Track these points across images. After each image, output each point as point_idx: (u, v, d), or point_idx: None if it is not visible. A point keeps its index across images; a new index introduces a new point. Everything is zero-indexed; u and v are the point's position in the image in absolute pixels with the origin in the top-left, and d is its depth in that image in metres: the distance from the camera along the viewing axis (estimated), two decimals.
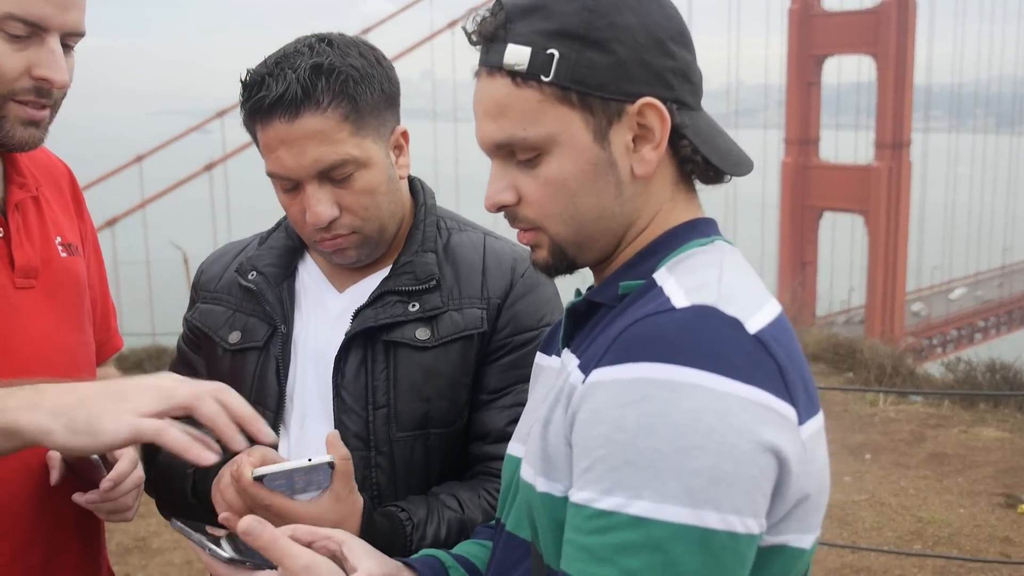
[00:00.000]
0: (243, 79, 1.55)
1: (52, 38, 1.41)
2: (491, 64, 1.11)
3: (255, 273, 1.69)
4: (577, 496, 1.00)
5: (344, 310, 1.64)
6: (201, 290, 1.78)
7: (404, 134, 1.65)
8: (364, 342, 1.61)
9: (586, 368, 1.05)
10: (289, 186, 1.57)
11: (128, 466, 1.48)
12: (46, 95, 1.44)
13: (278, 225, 1.77)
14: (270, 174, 1.57)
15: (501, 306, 1.64)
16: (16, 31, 1.38)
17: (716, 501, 0.95)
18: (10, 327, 1.48)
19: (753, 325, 1.03)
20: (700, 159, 1.14)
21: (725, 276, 1.08)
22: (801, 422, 1.03)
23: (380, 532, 1.48)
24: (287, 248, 1.73)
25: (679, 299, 1.04)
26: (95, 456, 1.45)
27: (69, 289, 1.61)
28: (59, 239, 1.62)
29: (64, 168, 1.74)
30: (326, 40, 1.57)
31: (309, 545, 1.23)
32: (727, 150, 1.16)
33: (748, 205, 39.84)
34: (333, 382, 1.61)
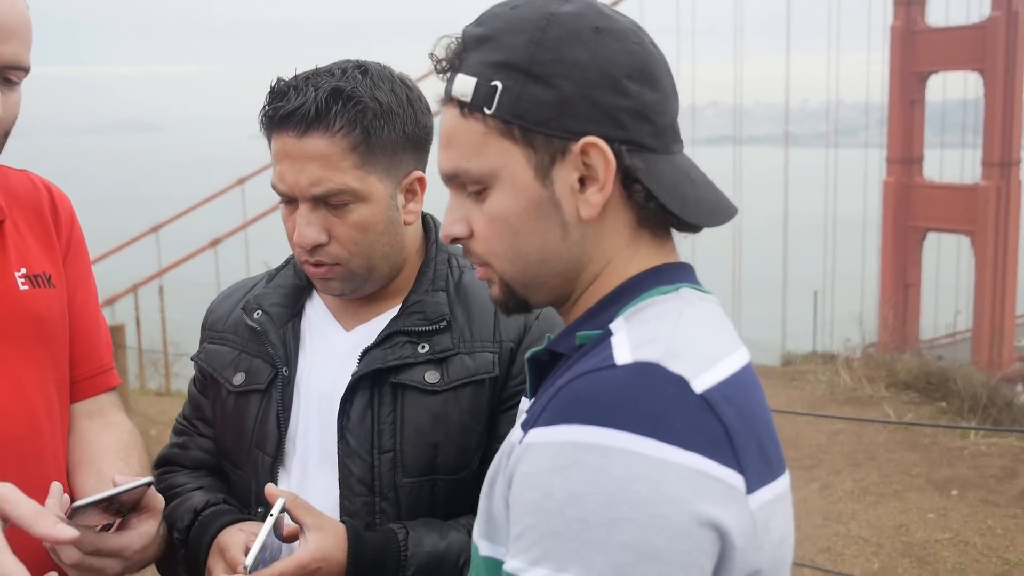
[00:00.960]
0: (272, 86, 1.54)
1: None
2: (445, 93, 1.09)
3: (260, 312, 1.67)
4: (508, 565, 0.95)
5: (351, 349, 1.61)
6: (208, 330, 1.76)
7: (421, 180, 1.61)
8: (371, 384, 1.57)
9: (527, 425, 1.00)
10: (288, 200, 1.55)
11: (153, 527, 1.44)
12: None
13: (286, 263, 1.75)
14: (272, 186, 1.55)
15: (515, 351, 1.58)
16: None
17: None
18: None
19: (702, 383, 0.97)
20: (655, 205, 1.07)
21: (680, 328, 1.02)
22: (751, 490, 0.96)
23: (371, 545, 1.46)
24: (294, 287, 1.70)
25: (623, 355, 0.98)
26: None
27: (27, 324, 1.55)
28: (23, 270, 1.56)
29: (48, 196, 1.69)
30: (362, 68, 1.55)
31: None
32: (694, 198, 1.09)
33: (848, 225, 38.92)
34: (338, 424, 1.58)
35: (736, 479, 0.95)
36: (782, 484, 1.04)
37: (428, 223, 1.72)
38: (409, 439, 1.55)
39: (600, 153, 1.04)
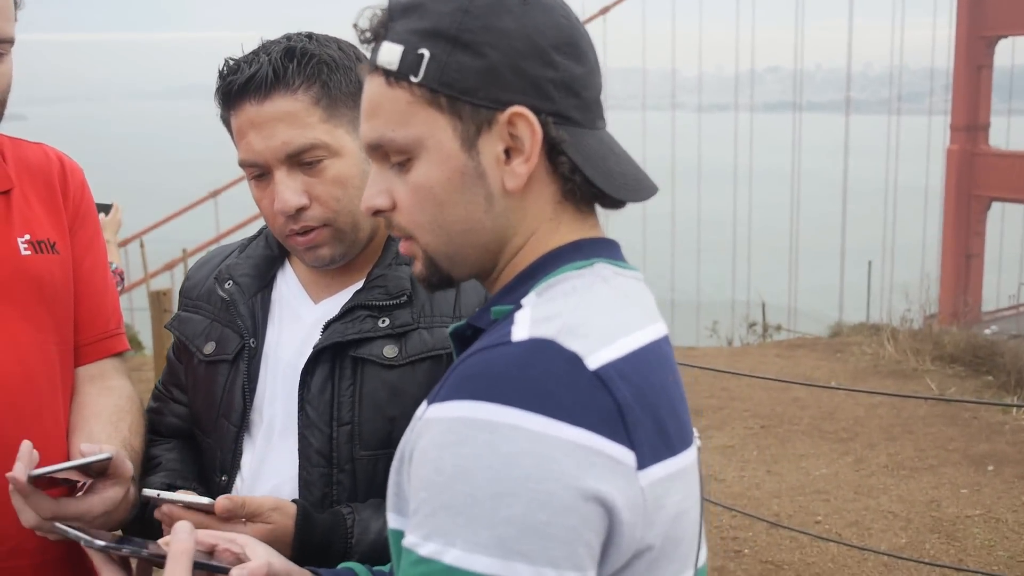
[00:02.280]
0: (220, 68, 1.56)
1: None
2: (370, 63, 1.09)
3: (231, 282, 1.70)
4: (405, 540, 0.97)
5: (316, 322, 1.63)
6: (184, 297, 1.80)
7: None
8: (332, 356, 1.59)
9: (430, 400, 1.01)
10: (258, 173, 1.57)
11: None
12: None
13: (259, 233, 1.77)
14: (241, 163, 1.57)
15: None
16: None
17: (528, 552, 0.90)
18: None
19: (596, 360, 0.97)
20: (580, 179, 1.07)
21: (582, 305, 1.03)
22: (642, 467, 0.97)
23: (318, 526, 1.49)
24: (265, 257, 1.73)
25: (521, 331, 0.99)
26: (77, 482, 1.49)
27: (28, 288, 1.61)
28: (27, 237, 1.62)
29: (59, 166, 1.75)
30: (306, 34, 1.59)
31: (212, 549, 1.27)
32: (619, 172, 1.09)
33: (909, 194, 38.16)
34: (299, 395, 1.60)
35: (626, 455, 0.95)
36: (682, 461, 1.03)
37: None
38: (367, 412, 1.57)
39: (527, 123, 1.03)
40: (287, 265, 1.73)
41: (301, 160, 1.53)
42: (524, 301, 1.05)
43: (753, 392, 8.34)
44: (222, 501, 1.40)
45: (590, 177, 1.07)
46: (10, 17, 1.46)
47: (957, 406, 7.54)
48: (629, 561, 0.98)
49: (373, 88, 1.09)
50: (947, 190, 39.95)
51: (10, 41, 1.47)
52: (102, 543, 1.25)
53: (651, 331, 1.08)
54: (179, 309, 1.80)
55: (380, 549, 1.49)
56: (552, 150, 1.06)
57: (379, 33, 1.08)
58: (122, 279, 5.11)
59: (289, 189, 1.54)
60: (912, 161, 39.38)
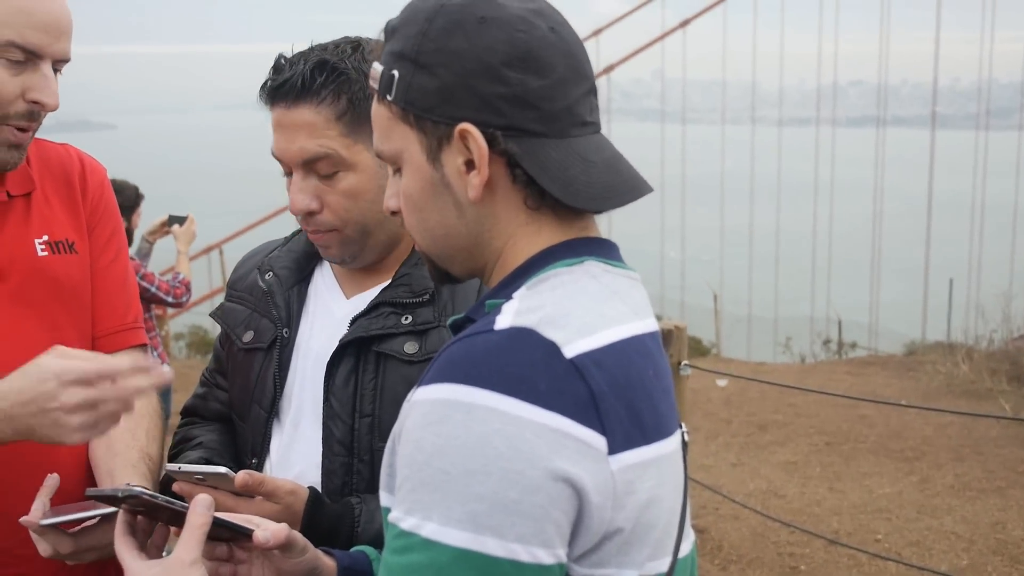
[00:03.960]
0: (274, 62, 1.66)
1: (45, 64, 1.54)
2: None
3: (271, 274, 1.79)
4: (391, 515, 1.03)
5: (346, 316, 1.71)
6: (230, 288, 1.89)
7: None
8: (357, 350, 1.67)
9: (418, 384, 1.08)
10: (286, 170, 1.67)
11: None
12: (35, 118, 1.57)
13: (301, 229, 1.84)
14: (273, 155, 1.67)
15: None
16: (14, 56, 1.51)
17: (498, 528, 0.96)
18: None
19: (574, 349, 1.03)
20: (537, 187, 1.12)
21: (564, 298, 1.08)
22: (613, 452, 1.01)
23: (327, 514, 1.56)
24: (305, 252, 1.82)
25: (504, 320, 1.06)
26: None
27: (44, 288, 1.67)
28: (45, 237, 1.69)
29: (79, 164, 1.82)
30: (355, 43, 1.66)
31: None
32: (583, 181, 1.12)
33: (997, 211, 37.16)
34: (324, 386, 1.68)
35: (597, 440, 1.00)
36: (658, 450, 1.07)
37: None
38: (388, 406, 1.64)
39: (473, 139, 1.10)
40: (324, 261, 1.81)
41: (316, 168, 1.63)
42: (515, 295, 1.11)
43: (820, 409, 8.26)
44: (242, 476, 1.48)
45: (544, 186, 1.11)
46: (71, 38, 1.59)
47: None
48: (599, 543, 1.03)
49: (372, 105, 1.20)
50: None
51: (68, 60, 1.60)
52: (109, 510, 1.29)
53: (635, 326, 1.13)
54: (225, 299, 1.90)
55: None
56: (510, 161, 1.12)
57: (378, 54, 1.19)
58: (188, 289, 5.30)
59: (301, 192, 1.64)
60: (1000, 177, 38.35)
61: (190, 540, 1.19)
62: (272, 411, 1.74)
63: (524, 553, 0.97)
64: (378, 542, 1.55)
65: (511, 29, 1.11)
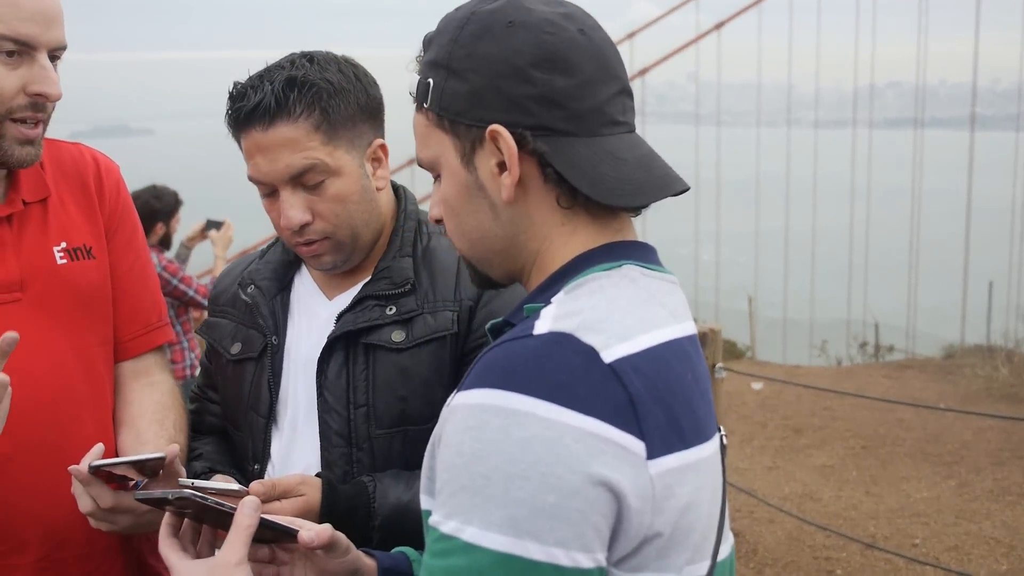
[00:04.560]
0: (230, 91, 1.68)
1: (41, 55, 1.54)
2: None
3: (253, 287, 1.84)
4: (432, 518, 1.05)
5: (331, 316, 1.76)
6: (212, 304, 1.95)
7: (383, 147, 1.75)
8: (346, 345, 1.72)
9: (458, 389, 1.09)
10: (267, 191, 1.70)
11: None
12: (41, 109, 1.57)
13: (276, 240, 1.89)
14: (250, 179, 1.70)
15: (474, 308, 1.72)
16: (7, 48, 1.50)
17: (537, 532, 0.97)
18: None
19: (612, 354, 1.04)
20: (569, 186, 1.14)
21: (603, 302, 1.09)
22: (652, 456, 1.02)
23: (342, 495, 1.61)
24: (283, 262, 1.87)
25: (543, 325, 1.07)
26: (131, 480, 1.57)
27: (65, 296, 1.69)
28: (63, 245, 1.70)
29: (95, 166, 1.81)
30: (308, 56, 1.70)
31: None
32: (613, 178, 1.13)
33: None
34: (317, 383, 1.73)
35: (636, 444, 1.01)
36: (696, 454, 1.08)
37: (399, 192, 1.87)
38: (381, 394, 1.70)
39: (503, 139, 1.12)
40: (303, 268, 1.87)
41: (303, 181, 1.66)
42: (554, 299, 1.12)
43: (857, 412, 8.19)
44: (255, 486, 1.53)
45: (574, 184, 1.13)
46: (63, 23, 1.59)
47: None
48: (638, 547, 1.03)
49: (414, 115, 1.23)
50: None
51: (64, 48, 1.60)
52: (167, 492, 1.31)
53: (674, 330, 1.14)
54: (208, 316, 1.95)
55: (400, 514, 1.61)
56: (541, 161, 1.14)
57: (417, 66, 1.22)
58: None
59: (293, 207, 1.67)
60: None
61: (236, 541, 1.20)
62: (270, 416, 1.79)
63: (564, 557, 0.98)
64: (395, 516, 1.61)
65: (538, 32, 1.13)
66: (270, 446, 1.80)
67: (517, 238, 1.19)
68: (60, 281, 1.69)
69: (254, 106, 1.64)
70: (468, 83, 1.14)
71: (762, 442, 7.62)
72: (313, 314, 1.81)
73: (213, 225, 5.66)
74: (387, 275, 1.75)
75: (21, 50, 1.52)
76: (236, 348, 1.85)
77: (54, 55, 1.58)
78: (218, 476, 1.68)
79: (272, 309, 1.82)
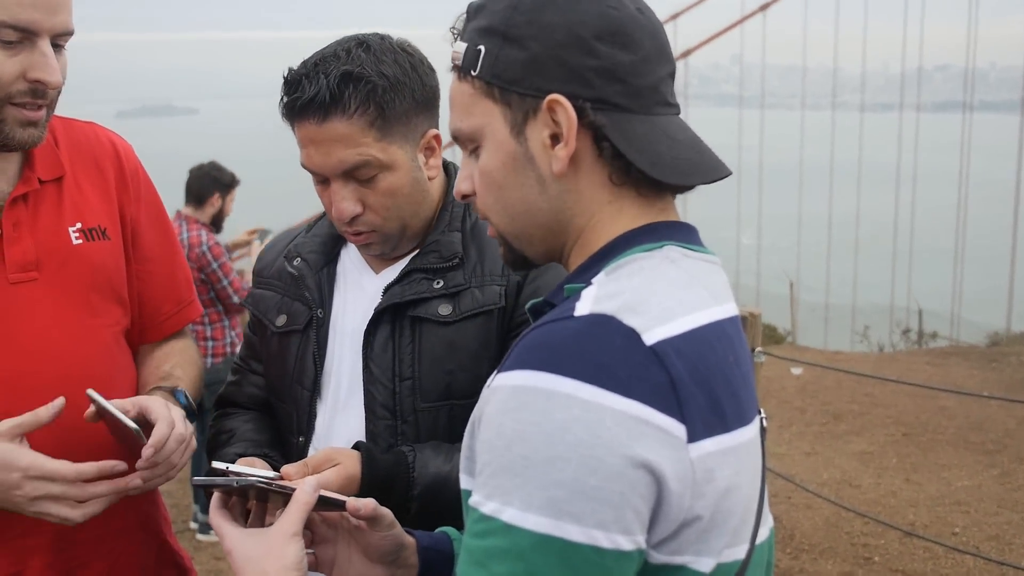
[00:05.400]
0: (284, 76, 1.67)
1: (43, 41, 1.52)
2: (452, 61, 1.21)
3: (299, 260, 1.85)
4: (472, 499, 1.05)
5: (378, 289, 1.77)
6: (257, 276, 1.95)
7: (437, 137, 1.75)
8: (392, 317, 1.73)
9: (499, 370, 1.09)
10: (320, 179, 1.71)
11: (165, 429, 1.55)
12: (41, 95, 1.55)
13: (324, 214, 1.89)
14: (302, 165, 1.70)
15: (521, 283, 1.72)
16: (8, 37, 1.49)
17: (578, 514, 0.97)
18: (5, 323, 1.58)
19: (653, 336, 1.03)
20: (623, 162, 1.13)
21: (644, 284, 1.08)
22: (693, 440, 1.01)
23: (382, 464, 1.62)
24: (330, 235, 1.87)
25: (584, 307, 1.06)
26: (135, 427, 1.55)
27: (81, 276, 1.69)
28: (79, 225, 1.69)
29: (111, 147, 1.81)
30: (364, 45, 1.67)
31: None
32: (670, 157, 1.13)
33: None
34: (363, 355, 1.73)
35: (677, 427, 1.00)
36: (737, 437, 1.07)
37: (449, 170, 1.87)
38: (426, 367, 1.70)
39: (563, 110, 1.10)
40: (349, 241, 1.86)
41: (356, 175, 1.67)
42: (595, 280, 1.11)
43: (898, 399, 8.12)
44: (287, 469, 1.53)
45: (632, 160, 1.12)
46: (71, 10, 1.58)
47: None
48: (678, 530, 1.03)
49: (451, 84, 1.21)
50: None
51: (70, 33, 1.59)
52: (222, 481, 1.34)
53: (715, 311, 1.12)
54: (253, 287, 1.96)
55: (439, 485, 1.61)
56: (597, 135, 1.12)
57: (458, 34, 1.20)
58: None
59: (345, 199, 1.68)
60: None
61: (295, 514, 1.23)
62: (315, 389, 1.80)
63: (604, 539, 0.98)
64: (434, 486, 1.62)
65: (603, 4, 1.13)
66: (315, 419, 1.81)
67: (563, 213, 1.17)
68: (76, 261, 1.70)
69: (309, 99, 1.63)
70: (527, 51, 1.12)
71: (801, 428, 7.57)
72: (360, 287, 1.82)
73: (264, 235, 5.74)
74: (435, 248, 1.75)
75: (23, 37, 1.51)
76: (281, 320, 1.85)
77: (58, 41, 1.58)
78: (241, 460, 1.68)
79: (318, 282, 1.83)
